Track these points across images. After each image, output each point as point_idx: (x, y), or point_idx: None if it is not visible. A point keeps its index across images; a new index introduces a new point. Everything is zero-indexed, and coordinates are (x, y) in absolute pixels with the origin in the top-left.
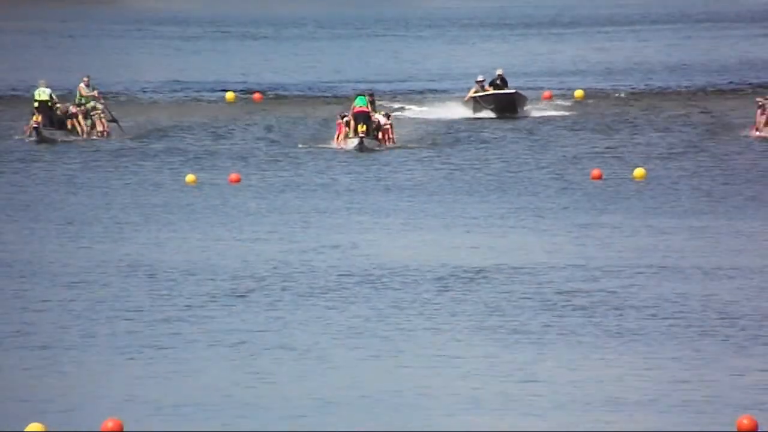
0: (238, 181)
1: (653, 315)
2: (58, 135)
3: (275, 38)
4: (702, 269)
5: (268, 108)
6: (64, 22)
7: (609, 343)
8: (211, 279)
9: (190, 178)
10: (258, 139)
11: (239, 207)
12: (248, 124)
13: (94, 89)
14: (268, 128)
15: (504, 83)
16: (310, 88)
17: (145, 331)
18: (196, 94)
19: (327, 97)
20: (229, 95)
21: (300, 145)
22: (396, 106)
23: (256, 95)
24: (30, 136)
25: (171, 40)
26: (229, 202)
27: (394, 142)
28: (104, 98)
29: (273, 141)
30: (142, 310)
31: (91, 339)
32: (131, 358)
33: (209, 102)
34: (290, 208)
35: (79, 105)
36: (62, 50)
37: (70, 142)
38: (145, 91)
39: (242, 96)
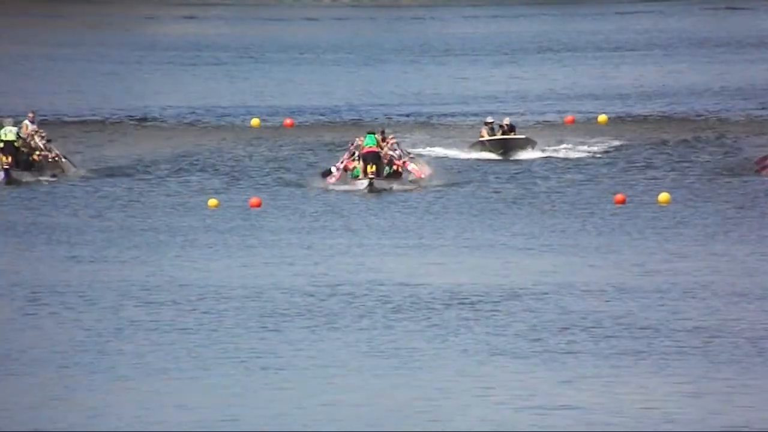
0: (259, 205)
1: (676, 336)
2: (26, 176)
3: (298, 63)
4: (728, 293)
5: (293, 134)
6: (85, 47)
7: (634, 364)
8: (233, 300)
9: (212, 202)
10: (280, 164)
11: (259, 230)
12: (272, 150)
13: (35, 125)
14: (291, 154)
15: (512, 131)
16: (330, 114)
17: (167, 350)
18: (219, 120)
19: (352, 122)
20: (255, 121)
21: (318, 185)
22: (412, 137)
23: (287, 121)
24: None
25: (193, 66)
26: (250, 225)
27: (410, 173)
28: (45, 135)
29: (294, 167)
30: (164, 331)
31: (116, 359)
32: (149, 377)
33: (233, 127)
34: (313, 233)
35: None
36: (83, 76)
37: (50, 181)
38: (166, 117)
39: (269, 122)
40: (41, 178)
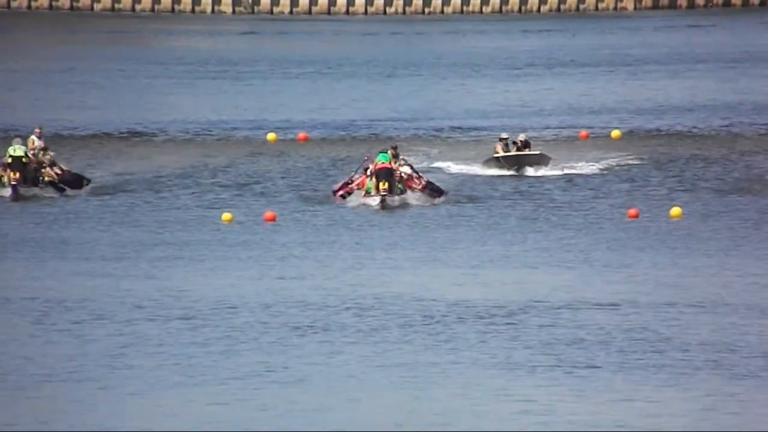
0: (273, 219)
1: (688, 351)
2: (34, 192)
3: (312, 77)
4: (740, 308)
5: (308, 148)
6: (98, 62)
7: (647, 378)
8: (247, 314)
9: (226, 216)
10: (295, 178)
11: (273, 245)
12: (287, 164)
13: (41, 140)
14: (306, 168)
15: (527, 147)
16: (345, 128)
17: (179, 365)
18: (233, 134)
19: (367, 137)
20: (271, 136)
21: (317, 203)
22: (422, 152)
23: (301, 135)
24: (3, 188)
25: (207, 80)
26: (264, 239)
27: (425, 187)
28: (50, 151)
29: (308, 181)
30: (177, 345)
31: (128, 372)
32: (160, 392)
33: (248, 141)
34: (327, 248)
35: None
36: (96, 90)
37: (55, 197)
38: (180, 131)
39: (283, 136)
40: (48, 194)
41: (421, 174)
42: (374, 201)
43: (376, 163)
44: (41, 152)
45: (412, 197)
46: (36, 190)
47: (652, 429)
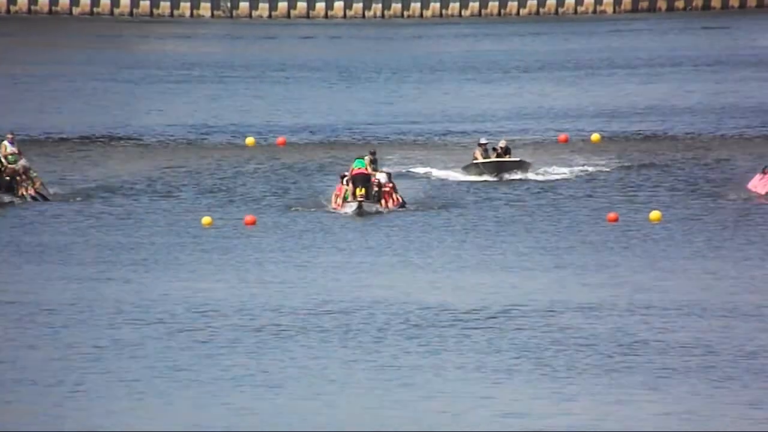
0: (253, 223)
1: (667, 353)
2: (5, 198)
3: (292, 82)
4: (718, 310)
5: (288, 152)
6: (76, 66)
7: (625, 381)
8: (226, 317)
9: (206, 220)
10: (274, 182)
11: (253, 249)
12: (266, 168)
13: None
14: (286, 172)
15: (507, 153)
16: (324, 132)
17: (158, 370)
18: (212, 138)
19: (346, 141)
20: (249, 140)
21: (297, 208)
22: (402, 156)
23: (280, 140)
24: None
25: (186, 84)
26: (245, 244)
27: (397, 202)
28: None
29: (288, 185)
30: (156, 350)
31: (106, 378)
32: (138, 397)
33: (227, 145)
34: (303, 251)
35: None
36: (73, 95)
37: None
38: (158, 136)
39: (262, 140)
40: (18, 200)
41: (396, 188)
42: (351, 207)
43: (353, 169)
44: (15, 158)
45: (385, 209)
46: (9, 197)
47: (630, 431)
